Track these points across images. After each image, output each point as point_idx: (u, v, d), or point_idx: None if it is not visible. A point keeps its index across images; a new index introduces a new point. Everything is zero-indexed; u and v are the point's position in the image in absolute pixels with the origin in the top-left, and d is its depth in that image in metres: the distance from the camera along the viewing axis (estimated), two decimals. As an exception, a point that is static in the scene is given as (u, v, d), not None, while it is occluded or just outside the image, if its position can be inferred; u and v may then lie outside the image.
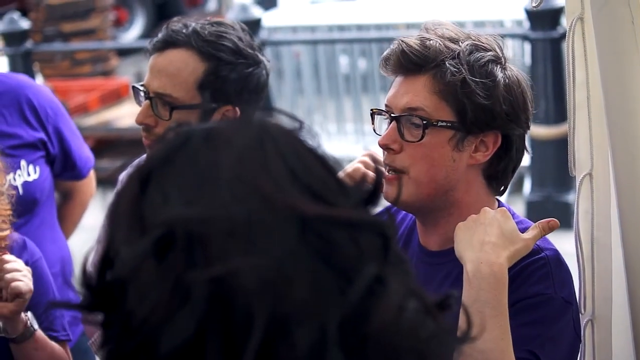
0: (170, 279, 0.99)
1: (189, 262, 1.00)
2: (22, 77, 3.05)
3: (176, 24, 2.44)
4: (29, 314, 2.46)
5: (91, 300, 1.06)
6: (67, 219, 3.19)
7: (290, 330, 0.99)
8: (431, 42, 1.95)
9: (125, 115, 7.91)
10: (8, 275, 2.34)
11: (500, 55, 1.98)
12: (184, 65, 2.38)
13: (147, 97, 2.41)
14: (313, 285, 1.01)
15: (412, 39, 1.97)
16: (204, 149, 1.07)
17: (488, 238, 1.84)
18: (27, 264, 2.50)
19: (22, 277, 2.36)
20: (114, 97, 8.48)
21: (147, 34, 12.38)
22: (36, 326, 2.46)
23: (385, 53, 2.01)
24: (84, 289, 1.06)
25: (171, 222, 1.01)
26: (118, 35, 12.53)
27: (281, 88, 8.11)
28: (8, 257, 2.39)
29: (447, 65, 1.93)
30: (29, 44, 7.74)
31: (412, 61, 1.95)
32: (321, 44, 7.92)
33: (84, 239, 3.24)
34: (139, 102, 2.46)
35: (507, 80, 1.95)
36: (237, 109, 2.41)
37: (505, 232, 1.86)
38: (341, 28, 8.31)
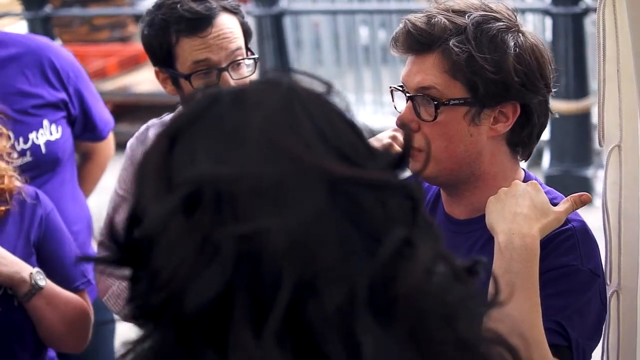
0: (197, 236, 0.99)
1: (217, 220, 1.00)
2: (44, 39, 3.08)
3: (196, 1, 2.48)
4: (34, 270, 2.47)
5: (119, 255, 1.06)
6: (86, 179, 3.22)
7: (319, 291, 0.99)
8: (436, 19, 1.91)
9: (144, 80, 7.92)
10: None
11: (513, 22, 1.95)
12: (235, 24, 2.50)
13: (221, 69, 2.47)
14: (342, 246, 1.01)
15: (418, 17, 1.94)
16: (233, 109, 1.06)
17: (520, 209, 1.83)
18: (40, 217, 2.52)
19: None
20: (132, 63, 8.48)
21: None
22: (43, 282, 2.47)
23: (393, 33, 1.99)
24: (112, 244, 1.06)
25: (199, 180, 1.01)
26: (135, 2, 12.51)
27: (300, 58, 8.09)
28: None
29: (453, 42, 1.90)
30: (48, 9, 7.74)
31: (418, 41, 1.92)
32: (341, 14, 7.89)
33: (103, 200, 3.26)
34: (191, 87, 2.49)
35: (518, 50, 1.91)
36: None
37: (537, 204, 1.84)
38: (361, -1, 8.28)
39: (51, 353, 2.63)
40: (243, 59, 2.49)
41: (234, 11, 2.51)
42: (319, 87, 1.12)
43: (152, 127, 2.64)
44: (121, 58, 8.49)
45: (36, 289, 2.45)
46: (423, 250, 1.03)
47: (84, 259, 2.23)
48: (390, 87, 2.04)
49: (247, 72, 2.50)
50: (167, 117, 2.60)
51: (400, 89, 1.98)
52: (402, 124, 1.97)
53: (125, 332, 3.25)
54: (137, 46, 9.10)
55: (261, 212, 1.00)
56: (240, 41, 2.48)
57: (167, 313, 1.01)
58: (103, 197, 3.71)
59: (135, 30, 10.35)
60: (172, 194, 1.01)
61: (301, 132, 1.04)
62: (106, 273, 2.59)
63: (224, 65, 2.45)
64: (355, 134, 1.09)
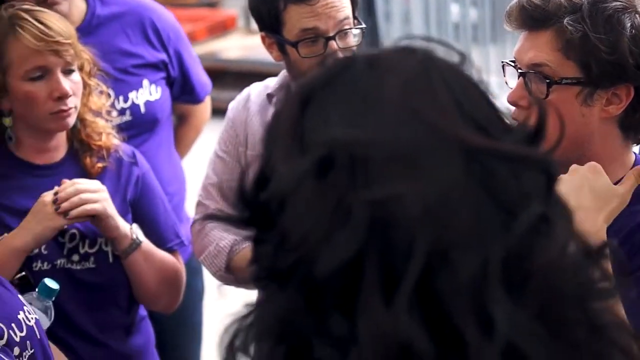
0: (330, 199, 0.98)
1: (349, 184, 0.98)
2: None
3: None
4: (134, 226, 2.50)
5: (247, 215, 1.04)
6: (181, 141, 3.24)
7: (452, 261, 0.97)
8: None
9: (232, 47, 7.95)
10: (83, 196, 2.36)
11: (630, 2, 1.89)
12: None
13: (329, 38, 2.45)
14: (476, 217, 0.98)
15: None
16: (368, 73, 1.04)
17: (579, 203, 1.70)
18: (137, 176, 2.54)
19: (96, 197, 2.38)
20: (220, 29, 8.50)
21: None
22: (142, 238, 2.49)
23: (508, 7, 1.95)
24: (240, 204, 1.04)
25: (333, 142, 0.99)
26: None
27: (389, 32, 8.03)
28: (79, 180, 2.42)
29: (568, 21, 1.85)
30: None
31: (532, 17, 1.89)
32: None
33: (196, 164, 3.27)
34: (300, 56, 2.47)
35: (634, 31, 1.85)
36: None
37: (597, 192, 1.73)
38: (453, -26, 8.17)
39: (142, 312, 2.65)
40: (350, 28, 2.46)
41: None
42: (453, 56, 1.09)
43: (254, 91, 2.63)
44: (210, 23, 8.51)
45: (136, 244, 2.47)
46: (560, 227, 1.00)
47: (212, 217, 2.23)
48: (502, 62, 2.01)
49: (354, 41, 2.47)
50: (269, 80, 2.59)
51: (512, 64, 1.95)
52: (512, 103, 1.93)
53: (213, 296, 3.28)
54: (225, 12, 9.15)
55: (395, 178, 0.97)
56: (348, 10, 2.46)
57: (295, 276, 0.99)
58: (196, 160, 3.73)
59: (223, -4, 10.39)
60: (305, 156, 0.99)
61: (438, 99, 1.02)
62: (204, 234, 2.60)
63: (331, 34, 2.43)
64: (489, 106, 1.07)
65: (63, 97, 2.39)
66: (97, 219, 2.41)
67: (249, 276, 1.09)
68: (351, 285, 0.97)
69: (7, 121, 2.45)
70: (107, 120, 2.57)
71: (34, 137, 2.47)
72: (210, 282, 3.33)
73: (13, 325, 1.95)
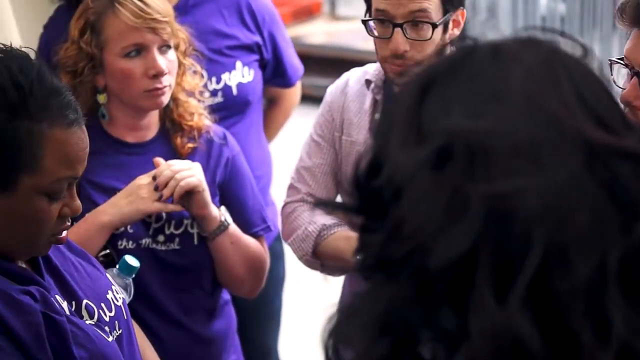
0: (447, 190, 0.95)
1: (468, 175, 0.95)
2: None
3: None
4: (222, 208, 2.49)
5: (359, 202, 1.03)
6: (270, 124, 3.23)
7: (568, 260, 0.94)
8: None
9: (317, 32, 7.93)
10: (177, 176, 2.36)
11: None
12: None
13: (395, 25, 2.38)
14: (596, 215, 0.95)
15: None
16: (491, 63, 1.02)
17: None
18: (227, 158, 2.53)
19: (189, 173, 2.38)
20: (305, 14, 8.49)
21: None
22: (230, 220, 2.48)
23: (620, 2, 1.89)
24: (354, 191, 1.02)
25: (453, 132, 0.97)
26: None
27: (475, 24, 7.94)
28: (172, 161, 2.42)
29: None
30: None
31: None
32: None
33: (282, 147, 3.27)
34: (373, 34, 2.44)
35: None
36: (464, 9, 2.45)
37: None
38: (544, -34, 8.06)
39: (226, 296, 2.65)
40: (421, 21, 2.38)
41: None
42: (576, 49, 1.06)
43: (353, 76, 2.61)
44: (295, 8, 8.49)
45: (224, 226, 2.47)
46: None
47: (322, 204, 2.21)
48: (610, 60, 1.95)
49: (427, 34, 2.38)
50: (368, 66, 2.56)
51: (622, 62, 1.89)
52: (625, 103, 1.88)
53: (291, 281, 3.26)
54: (311, -3, 9.12)
55: (515, 171, 0.95)
56: (427, 4, 2.37)
57: (408, 266, 0.97)
58: (284, 144, 3.72)
59: (308, -19, 10.37)
60: (424, 144, 0.97)
61: (562, 93, 0.99)
62: (293, 217, 2.59)
63: (398, 21, 2.38)
64: (611, 101, 1.04)
65: (158, 74, 2.40)
66: (191, 195, 2.40)
67: (355, 265, 1.08)
68: (463, 278, 0.95)
69: (102, 98, 2.47)
70: (199, 101, 2.57)
71: (126, 115, 2.48)
72: (290, 267, 3.34)
73: (102, 305, 1.96)
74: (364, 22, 2.44)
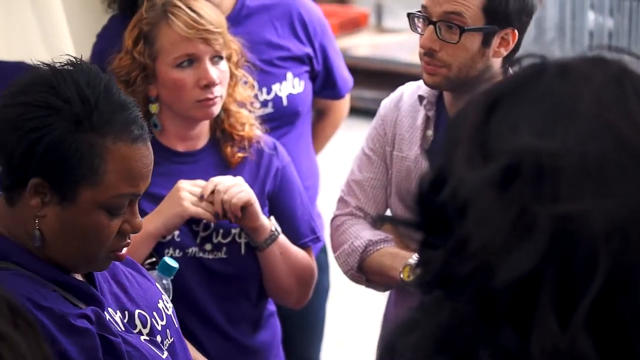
0: (514, 209, 0.94)
1: (535, 195, 0.94)
2: None
3: None
4: (272, 218, 2.49)
5: (422, 218, 1.02)
6: (318, 136, 3.24)
7: (634, 283, 0.93)
8: None
9: (363, 44, 7.93)
10: (226, 196, 2.36)
11: None
12: None
13: (430, 22, 2.36)
14: None
15: None
16: (560, 82, 1.01)
17: None
18: (276, 168, 2.54)
19: (238, 188, 2.38)
20: (352, 26, 8.49)
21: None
22: (279, 230, 2.49)
23: None
24: (417, 207, 1.02)
25: (520, 151, 0.96)
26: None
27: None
28: (216, 178, 2.42)
29: None
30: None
31: None
32: (569, -6, 7.67)
33: (328, 159, 3.27)
34: (415, 29, 2.42)
35: None
36: (515, 31, 2.37)
37: None
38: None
39: (271, 307, 2.65)
40: (453, 23, 2.34)
41: None
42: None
43: (407, 91, 2.60)
44: (341, 20, 8.50)
45: (275, 236, 2.48)
46: None
47: (383, 219, 2.22)
48: None
49: (456, 38, 2.35)
50: (422, 81, 2.55)
51: None
52: None
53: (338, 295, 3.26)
54: (357, 8, 9.13)
55: (584, 192, 0.94)
56: (462, 7, 2.33)
57: (471, 284, 0.97)
58: (330, 156, 3.71)
59: (355, -8, 10.38)
60: (491, 162, 0.96)
61: (631, 114, 0.98)
62: (341, 230, 2.59)
63: (434, 19, 2.37)
64: None
65: (210, 85, 2.41)
66: (243, 209, 2.40)
67: (413, 280, 1.07)
68: (526, 298, 0.94)
69: (154, 108, 2.48)
70: (250, 112, 2.58)
71: (178, 125, 2.49)
72: (334, 279, 3.33)
73: (154, 313, 1.96)
74: (409, 15, 2.44)
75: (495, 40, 2.37)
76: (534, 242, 0.93)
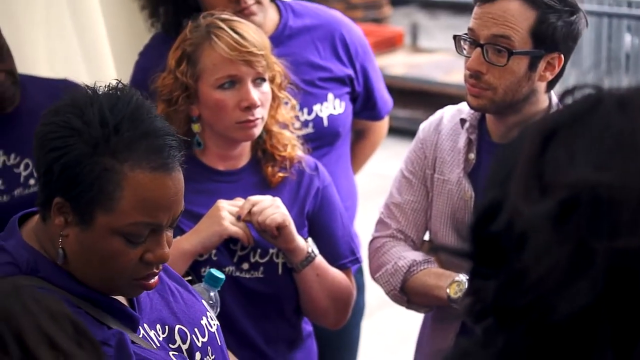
0: (571, 243, 0.94)
1: (593, 229, 0.93)
2: (336, 13, 3.09)
3: None
4: (310, 240, 2.49)
5: (474, 248, 1.02)
6: (357, 156, 3.23)
7: None
8: None
9: (398, 64, 7.94)
10: (260, 217, 2.37)
11: None
12: (519, 13, 2.34)
13: (477, 44, 2.37)
14: None
15: None
16: (618, 114, 1.00)
17: None
18: (317, 188, 2.54)
19: (274, 209, 2.39)
20: (387, 45, 8.51)
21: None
22: (317, 252, 2.48)
23: None
24: (470, 236, 1.02)
25: (578, 184, 0.95)
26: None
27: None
28: (253, 198, 2.42)
29: None
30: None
31: None
32: (605, 17, 7.63)
33: (364, 179, 3.27)
34: (461, 51, 2.43)
35: None
36: (561, 56, 2.37)
37: None
38: (629, 3, 7.97)
39: (308, 327, 2.65)
40: (500, 46, 2.34)
41: (532, 2, 2.34)
42: None
43: (447, 114, 2.60)
44: (377, 39, 8.52)
45: (311, 258, 2.47)
46: None
47: (437, 248, 2.21)
48: None
49: (503, 61, 2.34)
50: (463, 104, 2.55)
51: None
52: None
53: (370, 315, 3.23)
54: (393, 28, 9.16)
55: None
56: (510, 31, 2.32)
57: (525, 316, 0.96)
58: (368, 178, 3.69)
59: (389, 12, 10.39)
60: (549, 195, 0.96)
61: None
62: (382, 251, 2.58)
63: (481, 42, 2.36)
64: None
65: (251, 107, 2.41)
66: (278, 230, 2.41)
67: (462, 309, 1.07)
68: (584, 333, 0.93)
69: (196, 127, 2.49)
70: (291, 132, 2.58)
71: (219, 144, 2.50)
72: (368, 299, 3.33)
73: (196, 330, 1.95)
74: (455, 37, 2.44)
75: (542, 64, 2.37)
76: (591, 277, 0.92)
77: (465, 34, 2.41)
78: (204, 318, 2.00)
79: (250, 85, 2.42)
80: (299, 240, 2.45)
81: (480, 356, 1.02)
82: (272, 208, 2.40)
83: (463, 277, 2.40)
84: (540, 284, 0.94)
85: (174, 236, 2.35)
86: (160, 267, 1.83)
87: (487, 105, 2.39)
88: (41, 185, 1.80)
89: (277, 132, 2.53)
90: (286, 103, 2.58)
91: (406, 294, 2.55)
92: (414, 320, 2.70)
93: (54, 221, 1.77)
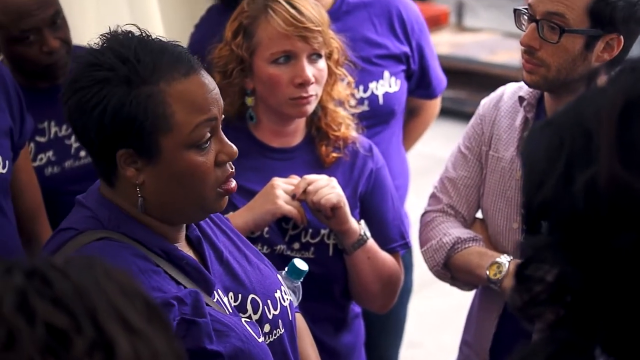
0: None
1: None
2: None
3: None
4: (362, 222, 2.46)
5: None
6: (409, 135, 3.22)
7: None
8: None
9: (443, 42, 7.87)
10: (315, 197, 2.35)
11: None
12: None
13: (533, 20, 2.32)
14: None
15: None
16: None
17: None
18: (370, 170, 2.51)
19: (329, 190, 2.36)
20: (433, 23, 8.43)
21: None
22: (368, 235, 2.46)
23: None
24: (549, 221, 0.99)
25: None
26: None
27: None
28: (309, 177, 2.40)
29: None
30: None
31: None
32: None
33: (412, 161, 3.25)
34: (520, 26, 2.38)
35: None
36: (621, 37, 2.31)
37: None
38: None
39: (357, 309, 2.62)
40: (554, 22, 2.28)
41: None
42: None
43: (508, 91, 2.56)
44: (423, 17, 8.47)
45: (363, 240, 2.45)
46: None
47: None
48: None
49: (556, 38, 2.29)
50: (524, 82, 2.51)
51: None
52: None
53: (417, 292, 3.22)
54: (438, 7, 9.08)
55: None
56: (565, 9, 2.27)
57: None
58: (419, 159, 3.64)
59: (435, -10, 10.32)
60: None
61: None
62: (431, 226, 2.55)
63: (537, 17, 2.31)
64: None
65: (305, 83, 2.38)
66: (333, 210, 2.38)
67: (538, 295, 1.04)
68: None
69: (250, 101, 2.47)
70: (347, 110, 2.56)
71: (272, 120, 2.47)
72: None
73: (269, 301, 1.97)
74: (515, 10, 2.40)
75: (599, 45, 2.32)
76: None
77: (526, 8, 2.37)
78: (278, 291, 2.01)
79: (305, 62, 2.39)
80: (352, 222, 2.42)
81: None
82: (328, 188, 2.37)
83: (504, 259, 2.39)
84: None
85: (227, 212, 2.35)
86: (233, 170, 1.87)
87: (541, 82, 2.35)
88: (97, 149, 1.82)
89: (332, 110, 2.50)
90: (342, 80, 2.55)
91: (449, 270, 2.53)
92: (458, 298, 2.66)
93: (126, 174, 1.81)
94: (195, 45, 2.82)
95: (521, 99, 2.48)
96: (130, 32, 1.84)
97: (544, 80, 2.34)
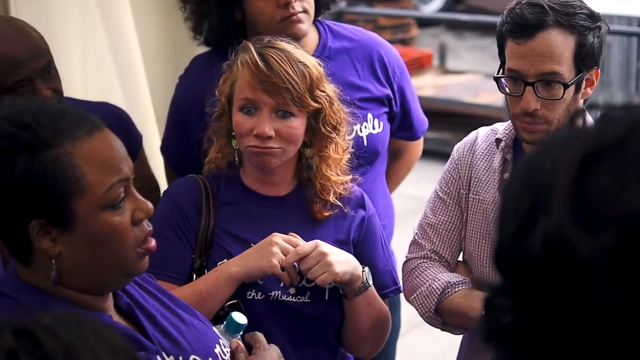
0: (630, 276, 0.92)
1: None
2: (374, 34, 3.10)
3: (533, 7, 2.36)
4: (367, 269, 2.46)
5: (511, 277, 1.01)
6: (393, 177, 3.24)
7: None
8: None
9: (426, 85, 7.94)
10: (309, 275, 2.36)
11: None
12: (562, 42, 2.33)
13: (527, 83, 2.36)
14: None
15: None
16: None
17: None
18: (362, 217, 2.52)
19: (322, 268, 2.35)
20: (416, 66, 8.52)
21: (447, 7, 12.37)
22: (370, 282, 2.46)
23: None
24: (506, 269, 1.01)
25: (636, 214, 0.93)
26: (419, 5, 12.59)
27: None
28: (300, 249, 2.37)
29: None
30: (342, 4, 7.90)
31: None
32: (635, 37, 7.62)
33: (396, 203, 3.27)
34: (503, 90, 2.41)
35: None
36: (598, 70, 2.39)
37: None
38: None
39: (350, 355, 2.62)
40: (553, 81, 2.34)
41: (570, 27, 2.33)
42: None
43: (481, 134, 2.60)
44: (406, 60, 8.52)
45: (365, 287, 2.45)
46: None
47: (478, 285, 2.14)
48: None
49: (559, 94, 2.34)
50: (497, 125, 2.55)
51: None
52: None
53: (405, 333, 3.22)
54: (421, 50, 9.17)
55: None
56: (557, 67, 2.32)
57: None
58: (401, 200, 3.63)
59: (416, 33, 10.42)
60: (605, 225, 0.93)
61: None
62: (417, 273, 2.57)
63: (529, 80, 2.35)
64: None
65: (260, 135, 2.36)
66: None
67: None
68: None
69: (234, 143, 2.46)
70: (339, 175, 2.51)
71: (254, 167, 2.47)
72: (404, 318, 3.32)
73: (210, 359, 1.94)
74: (496, 79, 2.42)
75: (584, 83, 2.39)
76: None
77: (510, 75, 2.38)
78: (217, 346, 1.98)
79: (267, 115, 2.37)
80: (353, 272, 2.41)
81: None
82: (321, 267, 2.35)
83: None
84: (607, 317, 0.93)
85: (221, 259, 2.36)
86: (151, 228, 1.79)
87: (542, 137, 2.36)
88: (7, 225, 1.72)
89: (324, 174, 2.47)
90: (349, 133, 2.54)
91: (441, 315, 2.54)
92: (447, 340, 2.66)
93: (41, 246, 1.71)
94: (181, 95, 2.85)
95: (498, 140, 2.52)
96: (25, 100, 1.77)
97: (545, 135, 2.36)
